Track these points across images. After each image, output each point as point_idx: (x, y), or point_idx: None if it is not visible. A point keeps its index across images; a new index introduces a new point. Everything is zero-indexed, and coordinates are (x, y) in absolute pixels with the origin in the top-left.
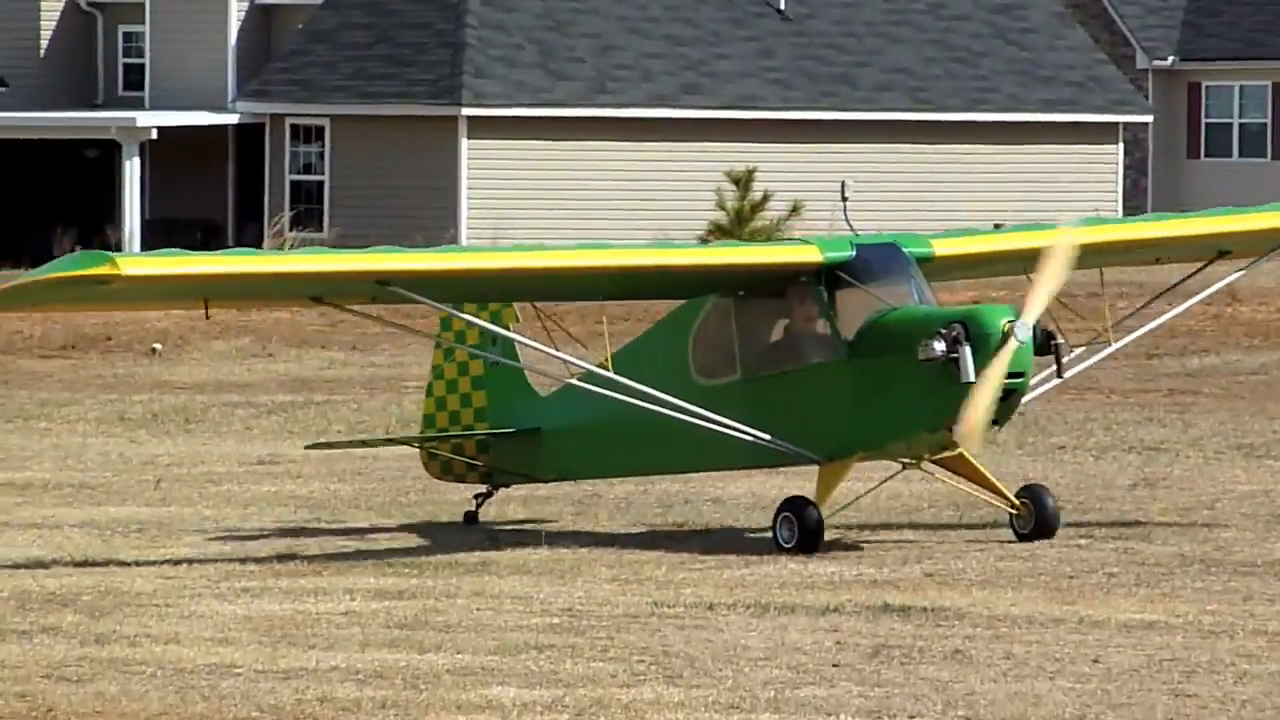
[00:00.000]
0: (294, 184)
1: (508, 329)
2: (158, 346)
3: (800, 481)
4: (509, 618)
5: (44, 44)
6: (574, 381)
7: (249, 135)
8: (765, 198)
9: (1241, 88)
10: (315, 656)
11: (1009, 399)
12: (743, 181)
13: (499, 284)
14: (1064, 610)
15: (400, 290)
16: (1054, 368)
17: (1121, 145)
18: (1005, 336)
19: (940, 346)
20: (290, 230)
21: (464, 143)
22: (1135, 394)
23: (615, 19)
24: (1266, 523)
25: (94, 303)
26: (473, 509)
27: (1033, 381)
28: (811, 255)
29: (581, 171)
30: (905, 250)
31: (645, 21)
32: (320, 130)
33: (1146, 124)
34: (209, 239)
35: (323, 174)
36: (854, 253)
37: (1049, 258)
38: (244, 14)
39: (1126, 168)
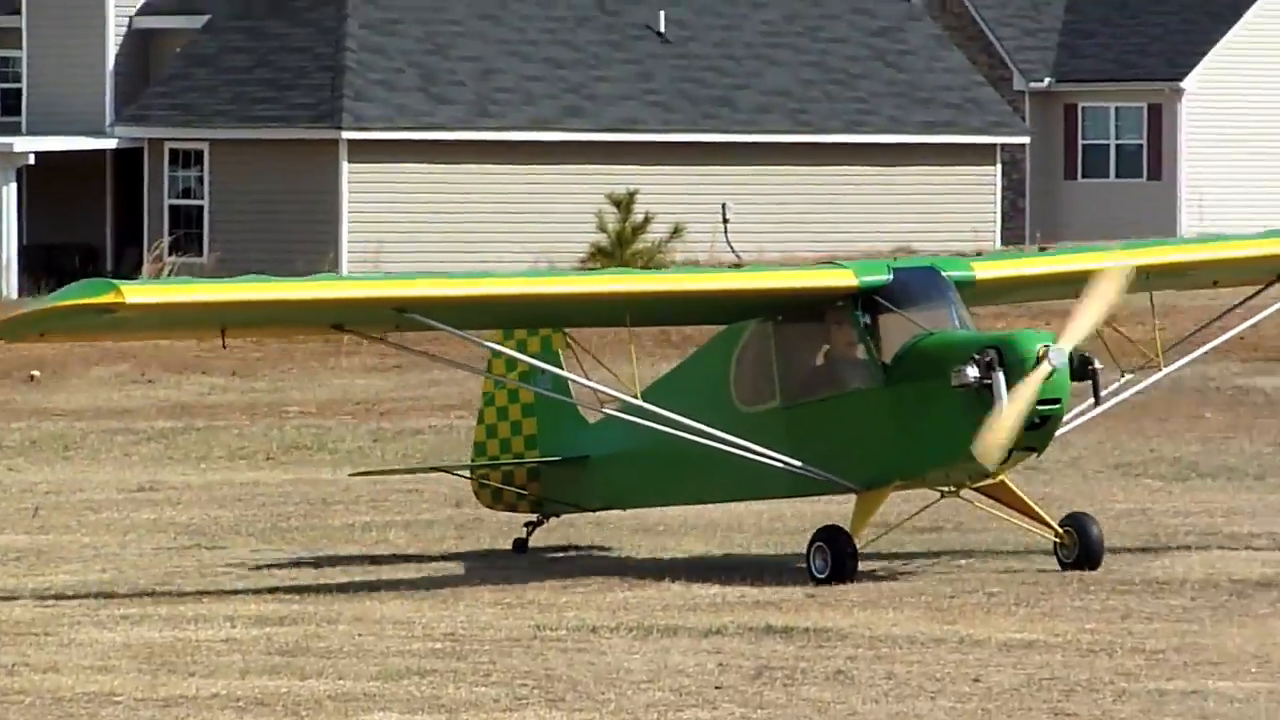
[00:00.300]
0: (173, 208)
1: (558, 355)
2: (35, 374)
3: (714, 511)
4: (391, 643)
5: None
6: (610, 410)
7: (128, 160)
8: (647, 220)
9: (1117, 109)
10: (196, 684)
11: (1044, 425)
12: (624, 204)
13: (521, 310)
14: (945, 630)
15: (419, 318)
16: (1092, 395)
17: (999, 166)
18: (1039, 361)
19: (973, 372)
20: (170, 255)
21: (344, 166)
22: None
23: (495, 42)
24: (1142, 541)
25: (102, 332)
26: (523, 537)
27: (1075, 408)
28: (846, 279)
29: (463, 195)
30: (944, 274)
31: (525, 45)
32: (200, 154)
33: (1024, 145)
34: (87, 264)
35: (202, 198)
36: (890, 276)
37: (1099, 282)
38: (122, 38)
39: (1004, 189)
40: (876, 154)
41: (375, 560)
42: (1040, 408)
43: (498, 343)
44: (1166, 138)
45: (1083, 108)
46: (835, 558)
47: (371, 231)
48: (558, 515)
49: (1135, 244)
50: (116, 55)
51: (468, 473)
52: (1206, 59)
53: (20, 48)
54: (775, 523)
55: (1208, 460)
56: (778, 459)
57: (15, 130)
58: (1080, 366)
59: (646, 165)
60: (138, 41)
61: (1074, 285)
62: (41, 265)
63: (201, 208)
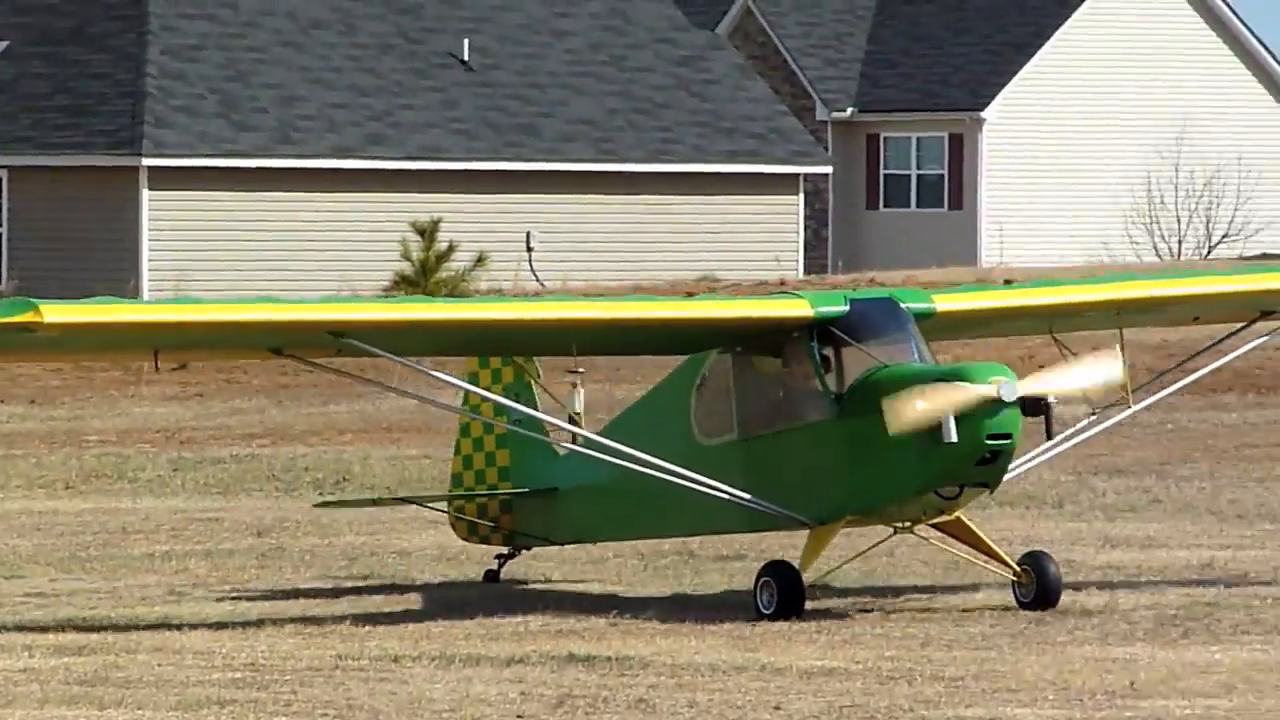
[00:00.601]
0: None
1: (530, 385)
2: None
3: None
4: (191, 672)
5: None
6: (561, 442)
7: None
8: (451, 248)
9: (919, 139)
10: None
11: (995, 460)
12: (428, 232)
13: (465, 336)
14: (746, 658)
15: (356, 343)
16: (1061, 429)
17: (802, 196)
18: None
19: (920, 405)
20: None
21: (145, 193)
22: None
23: (298, 69)
24: (944, 569)
25: (25, 352)
26: (494, 569)
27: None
28: (801, 309)
29: (265, 222)
30: (902, 305)
31: (328, 72)
32: None
33: (826, 175)
34: None
35: (0, 225)
36: (847, 307)
37: (1095, 360)
38: None
39: (807, 218)
40: (681, 183)
41: (175, 590)
42: (989, 442)
43: (463, 375)
44: (968, 167)
45: (885, 137)
46: (782, 594)
47: (173, 259)
48: (529, 548)
49: (1112, 277)
50: None
51: (443, 505)
52: (1007, 89)
53: None
54: (578, 551)
55: (1008, 489)
56: (729, 493)
57: None
58: (1033, 401)
59: (451, 193)
60: None
61: (1039, 319)
62: None
63: (0, 235)
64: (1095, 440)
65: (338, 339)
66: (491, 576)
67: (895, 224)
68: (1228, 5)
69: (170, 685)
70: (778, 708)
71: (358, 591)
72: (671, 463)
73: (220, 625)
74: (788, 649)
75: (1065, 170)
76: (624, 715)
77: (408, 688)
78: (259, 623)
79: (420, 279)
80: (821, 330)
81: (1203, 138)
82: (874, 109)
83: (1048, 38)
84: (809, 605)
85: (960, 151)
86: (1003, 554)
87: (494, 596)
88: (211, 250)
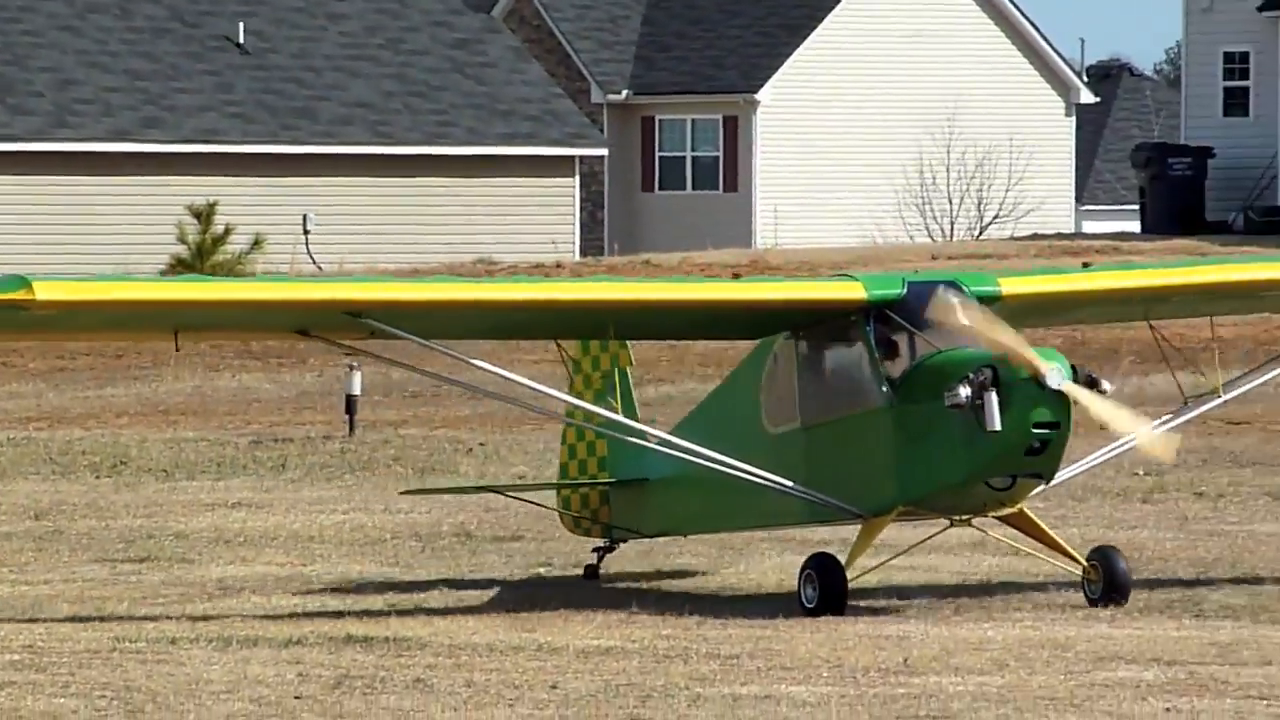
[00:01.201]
0: None
1: (626, 373)
2: None
3: (296, 524)
4: None
5: None
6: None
7: None
8: (228, 231)
9: (693, 121)
10: None
11: (1044, 450)
12: (204, 215)
13: (495, 318)
14: (523, 638)
15: (375, 323)
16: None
17: (578, 178)
18: (1036, 381)
19: (965, 392)
20: None
21: None
22: None
23: (74, 53)
24: (718, 548)
25: (23, 331)
26: (593, 563)
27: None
28: (855, 292)
29: (42, 205)
30: (965, 289)
31: (104, 55)
32: None
33: (602, 157)
34: None
35: None
36: (904, 290)
37: (1149, 442)
38: None
39: (583, 200)
40: (457, 165)
41: None
42: (1036, 431)
43: (569, 361)
44: (742, 150)
45: (659, 120)
46: (824, 588)
47: None
48: (624, 541)
49: (1195, 261)
50: None
51: (537, 494)
52: (780, 71)
53: None
54: (356, 533)
55: None
56: (778, 483)
57: None
58: (1087, 386)
59: (227, 176)
60: None
61: (1118, 306)
62: None
63: None
64: None
65: (355, 319)
66: (591, 571)
67: (671, 206)
68: None
69: None
70: (554, 687)
71: (136, 573)
72: (743, 453)
73: None
74: (565, 629)
75: (838, 151)
76: (401, 695)
77: (185, 669)
78: (36, 605)
79: (196, 261)
80: (878, 313)
81: (974, 119)
82: (649, 92)
83: (820, 20)
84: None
85: (735, 134)
86: (1070, 549)
87: (265, 579)
88: None
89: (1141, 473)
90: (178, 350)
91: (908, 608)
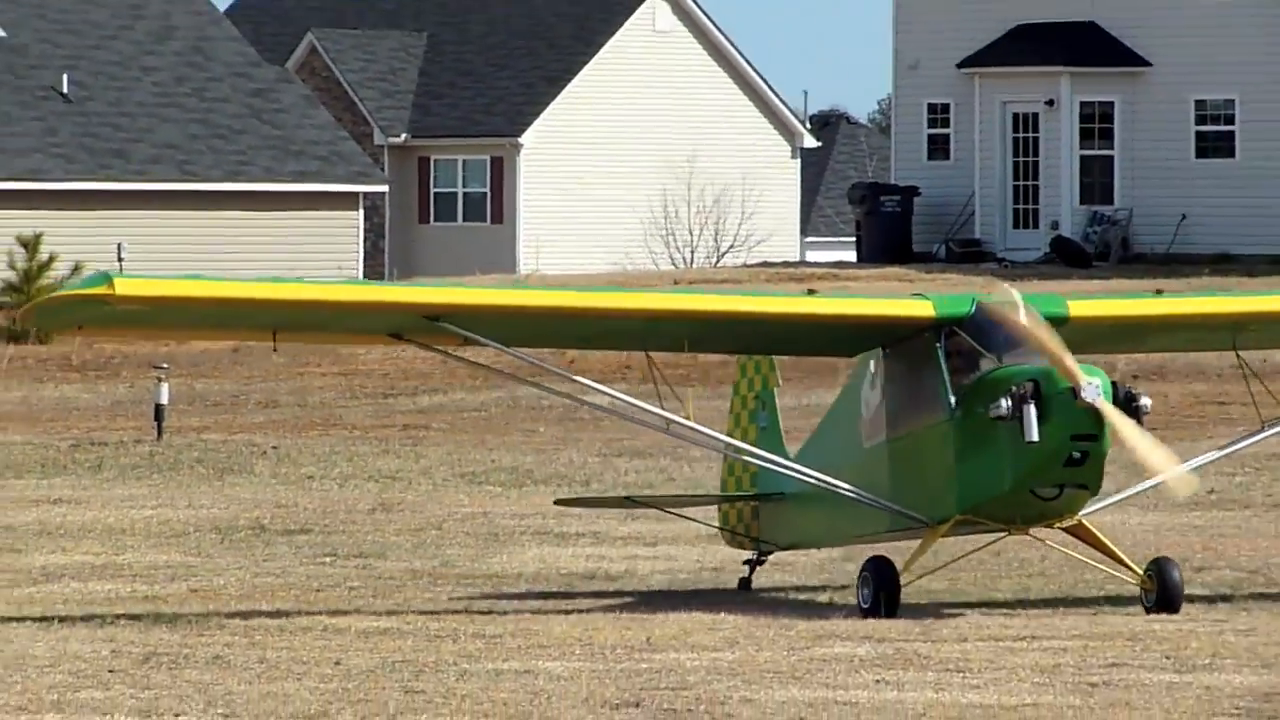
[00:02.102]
0: None
1: (772, 393)
2: None
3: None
4: None
5: None
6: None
7: None
8: (52, 259)
9: (464, 161)
10: None
11: (1084, 461)
12: (31, 245)
13: (572, 325)
14: (311, 620)
15: (453, 328)
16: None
17: (362, 212)
18: (1074, 394)
19: (1006, 404)
20: None
21: None
22: (374, 429)
23: None
24: (484, 540)
25: (114, 326)
26: (745, 575)
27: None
28: (923, 310)
29: None
30: (1032, 308)
31: None
32: None
33: (384, 193)
34: None
35: None
36: (972, 310)
37: (1160, 467)
38: None
39: (366, 231)
40: (254, 200)
41: None
42: (1075, 442)
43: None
44: (507, 187)
45: (434, 160)
46: (878, 589)
47: None
48: (770, 553)
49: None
50: None
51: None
52: (541, 117)
53: None
54: (163, 526)
55: (541, 469)
56: (854, 494)
57: None
58: (1125, 403)
59: (52, 210)
60: None
61: (1190, 332)
62: None
63: None
64: None
65: (434, 323)
66: (744, 584)
67: (444, 236)
68: (732, 45)
69: None
70: (338, 662)
71: None
72: (846, 466)
73: None
74: (347, 611)
75: (592, 188)
76: (202, 670)
77: (13, 646)
78: None
79: (25, 286)
80: (948, 331)
81: (712, 160)
82: (425, 135)
83: (576, 73)
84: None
85: (501, 173)
86: (1128, 560)
87: (83, 567)
88: None
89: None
90: (275, 350)
91: (651, 592)
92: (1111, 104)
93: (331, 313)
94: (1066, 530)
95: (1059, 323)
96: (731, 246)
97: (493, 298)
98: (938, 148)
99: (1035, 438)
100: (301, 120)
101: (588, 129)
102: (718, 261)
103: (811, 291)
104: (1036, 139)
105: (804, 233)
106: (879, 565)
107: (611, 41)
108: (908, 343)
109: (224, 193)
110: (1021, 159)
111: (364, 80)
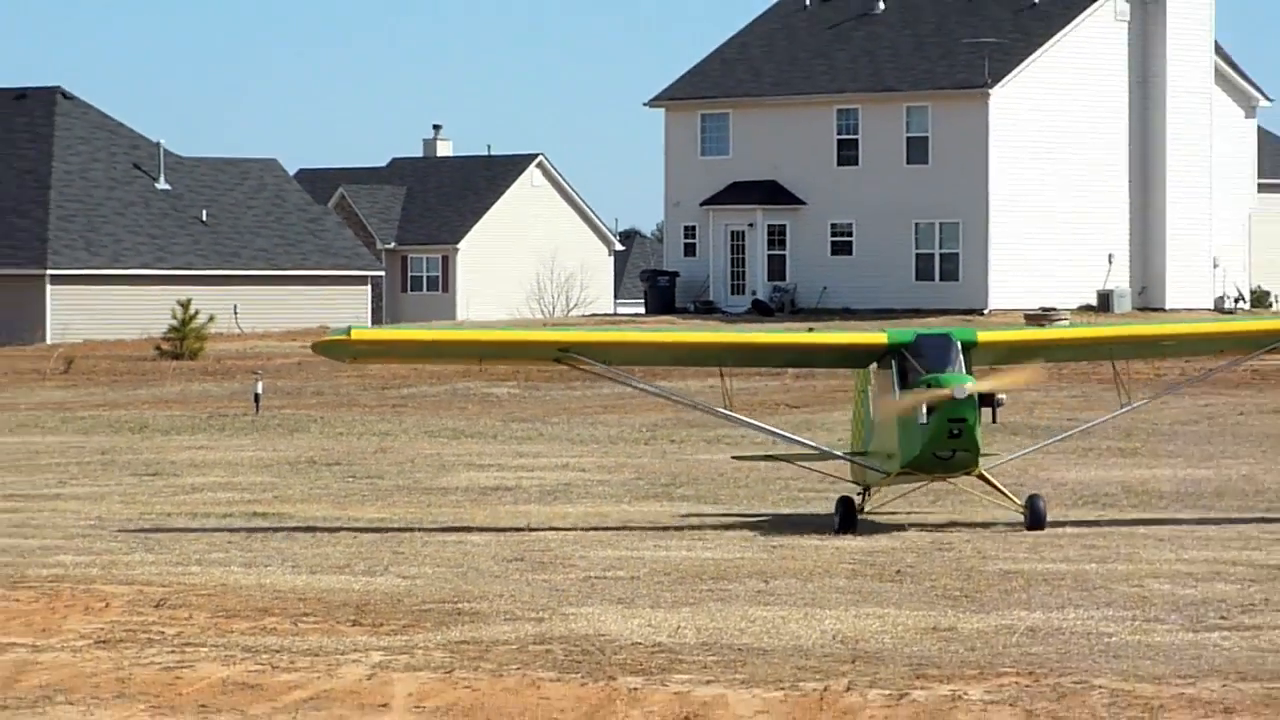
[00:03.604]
0: None
1: (865, 390)
2: None
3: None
4: None
5: None
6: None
7: None
8: (196, 314)
9: (426, 259)
10: None
11: (960, 435)
12: (185, 306)
13: (647, 351)
14: (340, 513)
15: (575, 355)
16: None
17: (369, 286)
18: (946, 388)
19: (905, 402)
20: None
21: None
22: (376, 407)
23: None
24: (437, 468)
25: (353, 359)
26: (859, 499)
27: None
28: (879, 339)
29: None
30: (954, 338)
31: None
32: None
33: (381, 276)
34: None
35: None
36: (914, 338)
37: (1021, 372)
38: None
39: (373, 298)
40: (310, 280)
41: None
42: (951, 424)
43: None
44: (450, 272)
45: (409, 257)
46: (843, 516)
47: None
48: (868, 488)
49: (1138, 323)
50: None
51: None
52: (469, 234)
53: None
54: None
55: (468, 428)
56: (844, 456)
57: None
58: (985, 398)
59: (196, 286)
60: None
61: (1065, 349)
62: None
63: None
64: None
65: (565, 352)
66: (854, 506)
67: (415, 300)
68: (575, 193)
69: None
70: (355, 538)
71: None
72: (870, 436)
73: None
74: None
75: (498, 273)
76: (278, 541)
77: (172, 530)
78: None
79: (181, 329)
80: (898, 354)
81: (565, 256)
82: (404, 244)
83: (487, 210)
84: None
85: (447, 264)
86: (1010, 495)
87: (215, 485)
88: None
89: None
90: (480, 369)
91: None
92: (785, 225)
93: (504, 348)
94: (976, 477)
95: (970, 345)
96: (575, 306)
97: (593, 337)
98: (689, 249)
99: (925, 421)
100: (336, 236)
101: (495, 242)
102: (567, 314)
103: (811, 329)
104: (744, 244)
105: (616, 296)
106: (845, 500)
107: (506, 193)
108: (883, 359)
109: (292, 275)
110: (735, 255)
111: (370, 213)
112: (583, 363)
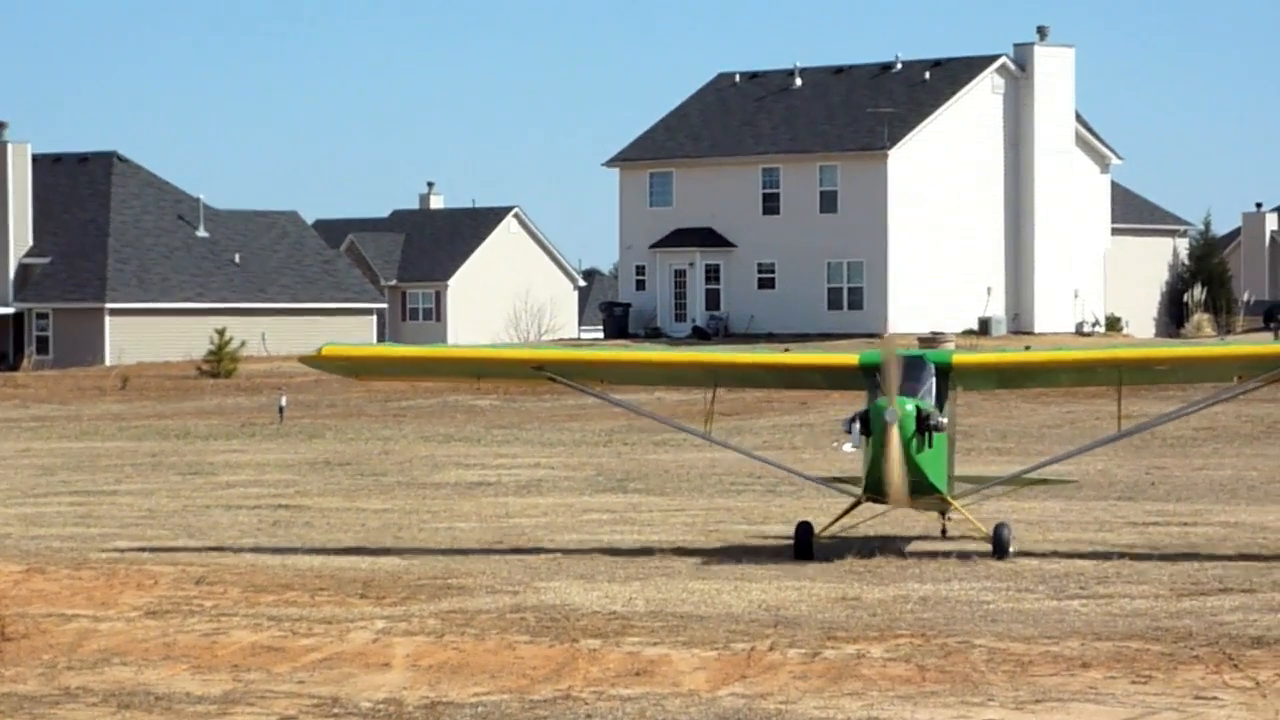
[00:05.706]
0: None
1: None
2: None
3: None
4: None
5: None
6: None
7: None
8: (229, 340)
9: (421, 293)
10: None
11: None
12: (221, 333)
13: (630, 371)
14: (349, 501)
15: (551, 373)
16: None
17: (375, 317)
18: (881, 416)
19: (852, 425)
20: None
21: None
22: (380, 416)
23: None
24: (430, 467)
25: (344, 374)
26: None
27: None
28: (852, 360)
29: None
30: (927, 361)
31: None
32: None
33: (384, 308)
34: None
35: None
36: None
37: (888, 361)
38: None
39: (378, 326)
40: (325, 312)
41: None
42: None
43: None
44: (442, 305)
45: (408, 292)
46: (799, 541)
47: None
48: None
49: (1108, 348)
50: None
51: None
52: (456, 274)
53: None
54: None
55: (457, 433)
56: (823, 481)
57: None
58: (924, 420)
59: (230, 317)
60: None
61: (1042, 374)
62: None
63: None
64: None
65: (538, 370)
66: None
67: (414, 328)
68: (546, 239)
69: None
70: (364, 524)
71: None
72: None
73: None
74: None
75: (482, 306)
76: (300, 528)
77: (209, 520)
78: None
79: (217, 353)
80: (868, 373)
81: (536, 291)
82: (404, 280)
83: (470, 255)
84: None
85: (440, 298)
86: (975, 521)
87: (246, 480)
88: None
89: None
90: (477, 386)
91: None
92: (719, 264)
93: (484, 365)
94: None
95: (946, 368)
96: (546, 332)
97: (566, 355)
98: (640, 284)
99: (849, 449)
100: (347, 275)
101: (478, 279)
102: (540, 338)
103: (787, 349)
104: (685, 280)
105: (580, 324)
106: (802, 524)
107: (488, 238)
108: (851, 379)
109: (310, 308)
110: (678, 289)
111: (375, 256)
112: (561, 382)
